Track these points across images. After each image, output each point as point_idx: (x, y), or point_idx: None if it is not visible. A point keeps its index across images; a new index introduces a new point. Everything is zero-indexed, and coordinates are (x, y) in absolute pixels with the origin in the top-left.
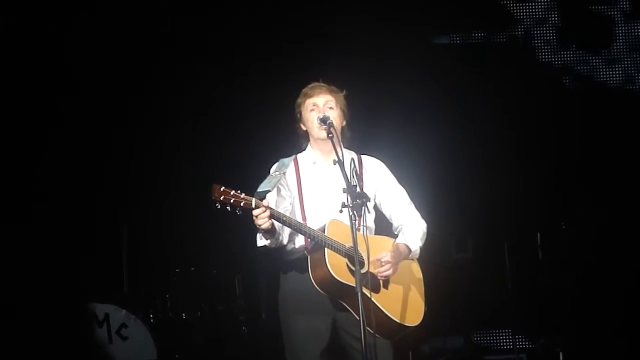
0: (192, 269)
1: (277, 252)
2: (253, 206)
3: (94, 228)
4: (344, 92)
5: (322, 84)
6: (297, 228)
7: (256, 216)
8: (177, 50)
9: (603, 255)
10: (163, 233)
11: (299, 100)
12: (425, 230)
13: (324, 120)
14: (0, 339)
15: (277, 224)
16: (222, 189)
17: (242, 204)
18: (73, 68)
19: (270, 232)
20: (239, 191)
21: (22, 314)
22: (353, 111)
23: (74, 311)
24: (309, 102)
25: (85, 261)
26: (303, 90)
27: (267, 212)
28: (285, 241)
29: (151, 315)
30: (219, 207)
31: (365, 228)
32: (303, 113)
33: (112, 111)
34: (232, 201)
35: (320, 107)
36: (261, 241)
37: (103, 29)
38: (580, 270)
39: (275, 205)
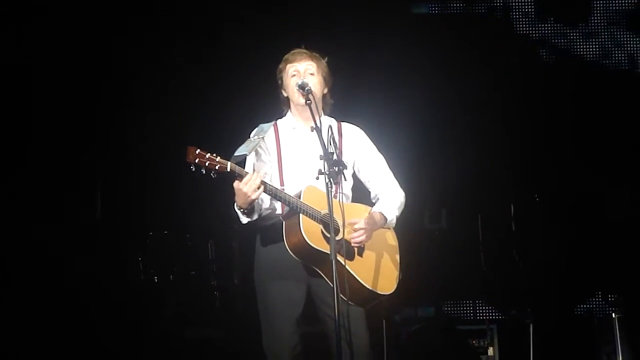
0: (166, 232)
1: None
2: (228, 169)
3: (68, 190)
4: (326, 58)
5: (304, 50)
6: (272, 193)
7: (245, 183)
8: (156, 11)
9: (575, 229)
10: (137, 196)
11: (280, 66)
12: (403, 200)
13: (302, 87)
14: None
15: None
16: (197, 152)
17: (216, 167)
18: (53, 30)
19: (251, 209)
20: (214, 154)
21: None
22: (334, 79)
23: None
24: (290, 68)
25: (59, 223)
26: (285, 56)
27: (258, 181)
28: (266, 206)
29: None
30: (193, 169)
31: (341, 195)
32: (284, 79)
33: (88, 75)
34: (206, 164)
35: (301, 72)
36: (244, 219)
37: None
38: (552, 244)
39: (255, 170)
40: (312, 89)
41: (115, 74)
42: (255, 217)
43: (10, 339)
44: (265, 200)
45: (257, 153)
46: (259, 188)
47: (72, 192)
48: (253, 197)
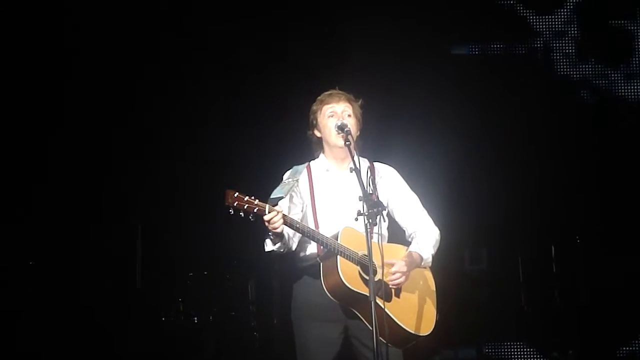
0: (206, 273)
1: (290, 258)
2: (266, 212)
3: (109, 231)
4: (360, 101)
5: (340, 92)
6: (310, 235)
7: (269, 220)
8: (195, 51)
9: (616, 270)
10: (177, 237)
11: (314, 107)
12: (438, 237)
13: (341, 128)
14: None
15: (287, 231)
16: (235, 195)
17: (255, 210)
18: (82, 70)
19: (279, 236)
20: (252, 197)
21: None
22: (369, 119)
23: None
24: (327, 109)
25: (100, 264)
26: (319, 97)
27: (280, 216)
28: (294, 247)
29: (163, 319)
30: (232, 212)
31: (379, 236)
32: (319, 119)
33: (126, 115)
34: (245, 207)
35: (339, 113)
36: (269, 246)
37: (109, 31)
38: (594, 285)
39: (287, 212)
40: (351, 130)
41: (154, 116)
42: (280, 247)
43: None
44: (296, 240)
45: (289, 195)
46: (280, 223)
47: (113, 232)
48: (277, 230)
